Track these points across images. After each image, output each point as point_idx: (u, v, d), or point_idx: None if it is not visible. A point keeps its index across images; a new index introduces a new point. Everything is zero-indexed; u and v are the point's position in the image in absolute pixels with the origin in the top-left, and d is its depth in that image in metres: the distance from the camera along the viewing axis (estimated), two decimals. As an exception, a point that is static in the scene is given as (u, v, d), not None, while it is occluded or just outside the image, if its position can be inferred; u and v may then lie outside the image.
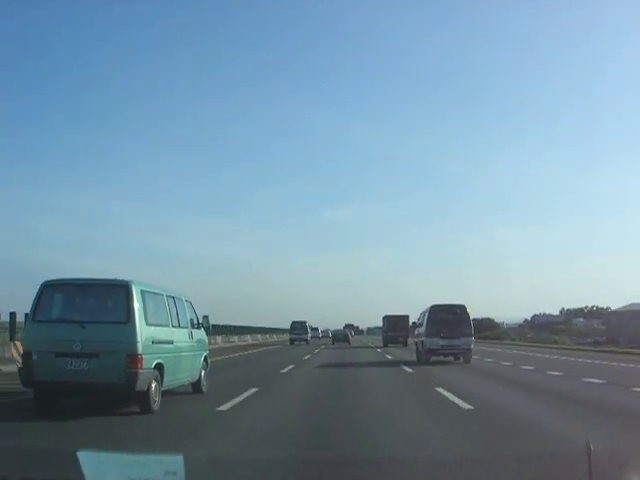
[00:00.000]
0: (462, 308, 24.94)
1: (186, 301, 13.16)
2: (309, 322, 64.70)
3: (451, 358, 25.32)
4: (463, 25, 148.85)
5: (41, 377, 9.92)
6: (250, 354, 34.38)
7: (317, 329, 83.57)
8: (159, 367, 10.64)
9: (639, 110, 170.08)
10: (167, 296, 11.90)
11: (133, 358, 9.86)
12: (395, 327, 49.18)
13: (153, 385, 10.36)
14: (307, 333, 60.58)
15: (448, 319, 24.32)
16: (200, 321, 13.76)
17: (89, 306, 10.62)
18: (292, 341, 57.55)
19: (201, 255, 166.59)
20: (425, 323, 24.80)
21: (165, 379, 10.92)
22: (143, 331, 10.15)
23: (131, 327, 9.97)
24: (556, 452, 7.12)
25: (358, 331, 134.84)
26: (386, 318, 51.09)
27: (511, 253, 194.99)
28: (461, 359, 24.93)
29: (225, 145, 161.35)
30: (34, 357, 9.99)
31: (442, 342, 23.94)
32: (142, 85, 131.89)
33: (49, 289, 10.44)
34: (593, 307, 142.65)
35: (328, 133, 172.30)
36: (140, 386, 9.96)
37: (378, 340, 69.08)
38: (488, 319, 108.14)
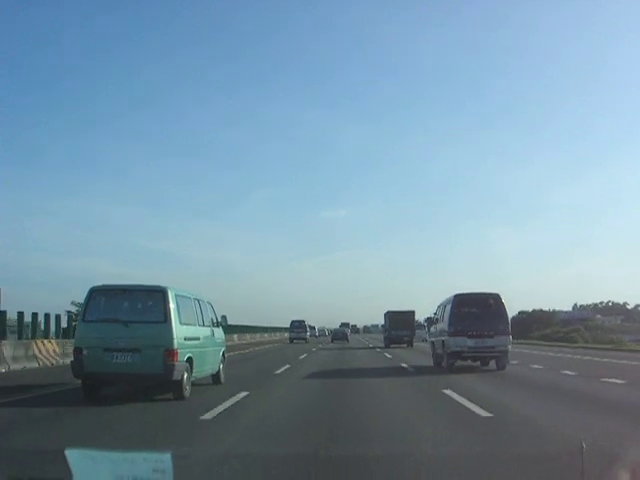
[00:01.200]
0: (496, 298, 19.71)
1: (207, 303, 14.86)
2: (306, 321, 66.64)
3: (477, 363, 20.54)
4: (457, 28, 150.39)
5: (91, 369, 11.62)
6: (248, 353, 34.33)
7: (314, 328, 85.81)
8: (189, 360, 12.31)
9: (634, 111, 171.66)
10: (194, 299, 13.61)
11: (170, 352, 11.55)
12: (399, 325, 43.44)
13: (185, 375, 12.02)
14: (306, 332, 62.44)
15: (478, 313, 19.39)
16: (219, 320, 15.52)
17: (131, 308, 12.29)
18: (291, 339, 59.58)
19: (198, 258, 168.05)
20: (447, 318, 19.58)
21: (194, 371, 12.59)
22: (178, 329, 11.85)
23: (168, 326, 11.68)
24: (549, 451, 7.04)
25: (355, 330, 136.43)
26: (388, 314, 45.11)
27: (505, 253, 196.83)
28: (489, 364, 20.13)
29: (220, 148, 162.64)
30: (84, 352, 11.69)
31: (471, 343, 18.89)
32: (138, 89, 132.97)
33: (96, 294, 12.13)
34: (609, 302, 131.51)
35: (323, 135, 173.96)
36: (176, 376, 11.66)
37: (376, 339, 68.20)
38: (541, 311, 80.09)
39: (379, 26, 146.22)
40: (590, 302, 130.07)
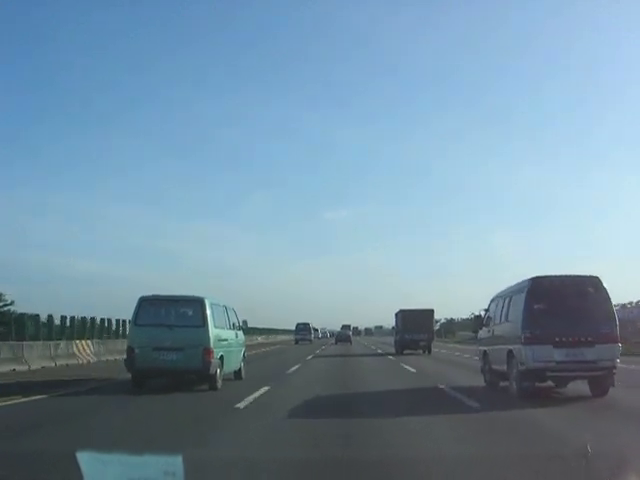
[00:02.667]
0: (596, 283, 13.06)
1: (232, 309, 17.38)
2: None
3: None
4: (457, 28, 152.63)
5: (141, 365, 14.13)
6: (258, 354, 33.09)
7: (317, 330, 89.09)
8: (221, 358, 14.78)
9: (635, 112, 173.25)
10: (223, 306, 16.15)
11: (207, 351, 14.03)
12: (414, 327, 36.25)
13: (218, 370, 14.50)
14: (310, 334, 65.73)
15: (568, 307, 12.78)
16: (240, 324, 18.05)
17: (175, 314, 14.84)
18: (297, 341, 62.84)
19: (199, 257, 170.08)
20: (519, 316, 12.89)
21: (224, 367, 15.05)
22: (213, 332, 14.36)
23: (206, 329, 14.17)
24: (554, 453, 6.77)
25: (356, 332, 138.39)
26: (401, 314, 38.19)
27: (507, 255, 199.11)
28: (571, 382, 13.37)
29: (220, 148, 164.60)
30: (136, 351, 14.19)
31: (559, 355, 12.31)
32: (139, 88, 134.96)
33: (145, 302, 14.63)
34: (630, 302, 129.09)
35: (323, 135, 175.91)
36: (212, 370, 14.14)
37: (381, 343, 64.68)
38: None
39: (379, 26, 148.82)
40: (616, 302, 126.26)
